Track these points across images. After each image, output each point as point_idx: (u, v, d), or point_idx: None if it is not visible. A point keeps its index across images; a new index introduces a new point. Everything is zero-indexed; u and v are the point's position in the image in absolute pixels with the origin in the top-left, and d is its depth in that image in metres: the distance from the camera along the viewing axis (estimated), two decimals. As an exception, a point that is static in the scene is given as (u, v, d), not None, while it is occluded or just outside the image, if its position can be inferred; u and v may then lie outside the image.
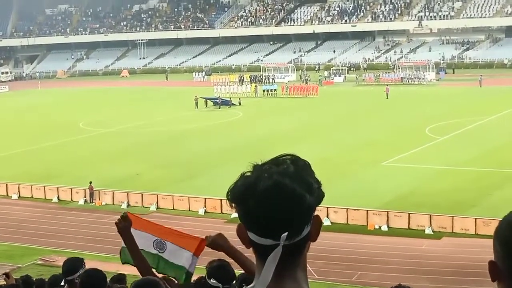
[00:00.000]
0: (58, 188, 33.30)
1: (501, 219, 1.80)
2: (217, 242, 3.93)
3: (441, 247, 24.46)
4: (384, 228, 26.50)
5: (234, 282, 5.11)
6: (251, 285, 1.84)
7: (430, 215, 26.37)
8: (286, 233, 1.75)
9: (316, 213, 1.83)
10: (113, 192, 32.22)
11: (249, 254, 2.00)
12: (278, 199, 1.75)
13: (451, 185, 30.72)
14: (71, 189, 33.08)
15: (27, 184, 34.06)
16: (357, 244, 24.98)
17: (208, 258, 5.14)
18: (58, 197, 32.85)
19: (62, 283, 6.12)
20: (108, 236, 26.66)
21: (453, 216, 26.07)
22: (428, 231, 25.79)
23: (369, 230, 26.50)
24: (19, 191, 33.76)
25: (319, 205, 1.82)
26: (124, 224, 4.56)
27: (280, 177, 1.77)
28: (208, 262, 5.08)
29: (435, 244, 24.83)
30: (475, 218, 25.56)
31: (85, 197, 32.34)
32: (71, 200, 32.65)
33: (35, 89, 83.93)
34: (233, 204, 1.82)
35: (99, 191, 32.34)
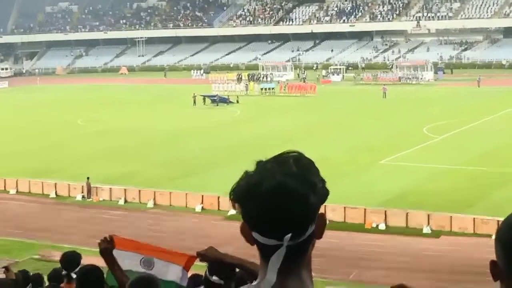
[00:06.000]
0: (56, 183, 33.26)
1: (502, 220, 1.82)
2: (209, 254, 3.86)
3: (439, 246, 24.47)
4: (382, 226, 26.49)
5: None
6: (255, 282, 1.83)
7: (428, 213, 26.38)
8: (289, 234, 1.74)
9: (321, 211, 1.81)
10: (110, 188, 32.19)
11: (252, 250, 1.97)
12: (281, 200, 1.73)
13: (449, 184, 30.74)
14: (69, 184, 33.05)
15: (25, 180, 34.02)
16: (354, 242, 24.97)
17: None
18: (55, 192, 32.82)
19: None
20: (105, 232, 26.57)
21: (451, 215, 26.10)
22: (426, 230, 25.79)
23: (367, 228, 26.51)
24: (17, 186, 33.73)
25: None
26: (106, 246, 4.52)
27: (283, 177, 1.75)
28: None
29: (433, 242, 24.84)
30: (474, 217, 25.57)
31: (82, 193, 32.31)
32: (69, 195, 32.63)
33: (34, 85, 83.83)
34: (236, 204, 1.80)
35: (96, 187, 32.31)
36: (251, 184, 1.77)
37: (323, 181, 1.81)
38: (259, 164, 1.81)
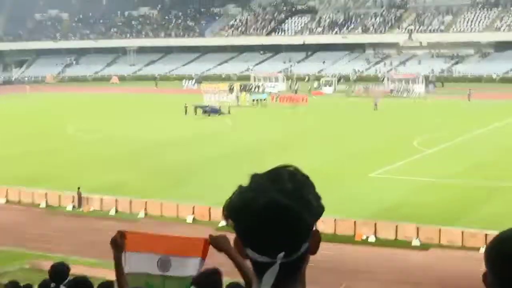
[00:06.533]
0: (46, 193, 33.11)
1: (494, 237, 1.89)
2: (219, 243, 3.92)
3: (428, 259, 24.57)
4: (372, 238, 26.57)
5: None
6: None
7: (418, 226, 26.49)
8: (282, 253, 1.74)
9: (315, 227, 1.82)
10: (101, 198, 32.10)
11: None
12: (275, 219, 1.72)
13: (438, 197, 30.88)
14: (59, 194, 32.93)
15: (14, 189, 33.87)
16: (344, 254, 25.03)
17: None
18: (46, 202, 32.66)
19: None
20: (95, 242, 26.56)
21: (440, 228, 26.22)
22: (415, 242, 25.90)
23: (357, 240, 26.58)
24: (6, 195, 33.55)
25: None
26: (115, 238, 4.41)
27: (277, 194, 1.73)
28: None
29: (422, 255, 24.94)
30: (462, 230, 25.72)
31: (73, 202, 32.20)
32: (59, 205, 32.48)
33: (23, 94, 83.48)
34: (229, 220, 1.80)
35: (87, 197, 32.22)
36: (244, 200, 1.75)
37: (318, 198, 1.80)
38: (254, 178, 1.80)
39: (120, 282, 4.46)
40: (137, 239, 4.96)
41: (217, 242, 3.96)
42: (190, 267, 4.89)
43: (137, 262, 4.78)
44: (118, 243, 4.39)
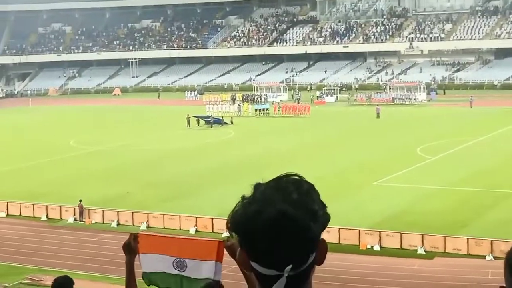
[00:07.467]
0: (47, 206, 32.97)
1: None
2: (232, 250, 3.78)
3: (433, 267, 24.35)
4: (377, 247, 26.37)
5: None
6: None
7: (422, 235, 26.30)
8: (290, 266, 1.68)
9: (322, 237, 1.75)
10: (103, 210, 31.95)
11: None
12: (282, 230, 1.66)
13: (443, 205, 30.67)
14: (60, 207, 32.78)
15: (15, 202, 33.72)
16: (349, 263, 24.82)
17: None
18: (47, 215, 32.51)
19: None
20: (97, 255, 26.40)
21: (445, 236, 26.01)
22: (420, 251, 25.69)
23: (362, 249, 26.37)
24: (7, 209, 33.40)
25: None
26: (129, 241, 4.30)
27: (283, 206, 1.67)
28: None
29: (427, 264, 24.72)
30: (467, 238, 25.51)
31: (74, 215, 32.03)
32: (60, 218, 32.33)
33: (26, 107, 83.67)
34: (233, 233, 1.74)
35: (88, 209, 32.06)
36: (250, 212, 1.69)
37: (323, 206, 1.74)
38: (257, 189, 1.73)
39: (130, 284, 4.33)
40: (150, 242, 4.88)
41: (231, 249, 3.82)
42: (205, 270, 4.83)
43: (153, 262, 4.72)
44: (132, 247, 4.27)
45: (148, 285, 4.90)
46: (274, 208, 1.67)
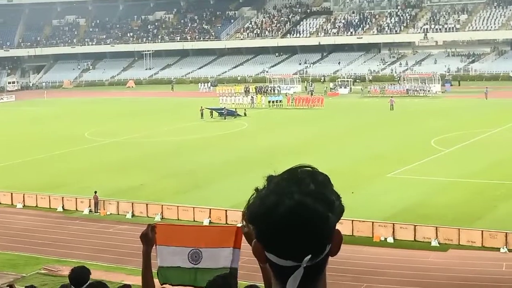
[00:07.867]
0: (63, 197, 33.30)
1: None
2: (250, 237, 3.82)
3: (447, 259, 24.31)
4: (390, 240, 26.37)
5: None
6: None
7: (436, 227, 26.24)
8: (309, 256, 1.70)
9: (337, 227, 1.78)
10: (117, 202, 32.19)
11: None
12: (301, 221, 1.68)
13: (457, 197, 30.58)
14: (76, 198, 33.07)
15: (32, 194, 34.07)
16: (363, 256, 24.84)
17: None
18: (62, 206, 32.84)
19: None
20: (112, 246, 26.64)
21: (459, 228, 25.95)
22: (434, 243, 25.65)
23: (375, 241, 26.38)
24: (24, 200, 33.78)
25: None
26: (147, 232, 4.34)
27: (302, 197, 1.69)
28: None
29: (441, 256, 24.68)
30: (482, 231, 25.42)
31: (89, 206, 32.31)
32: (76, 209, 32.64)
33: (41, 99, 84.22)
34: (250, 225, 1.75)
35: (103, 200, 32.32)
36: (267, 204, 1.70)
37: (339, 197, 1.76)
38: (271, 180, 1.74)
39: (146, 277, 4.38)
40: (168, 232, 4.92)
41: (249, 235, 3.84)
42: (222, 259, 4.82)
43: (169, 256, 4.75)
44: (149, 237, 4.33)
45: (162, 284, 4.92)
46: (292, 199, 1.68)
